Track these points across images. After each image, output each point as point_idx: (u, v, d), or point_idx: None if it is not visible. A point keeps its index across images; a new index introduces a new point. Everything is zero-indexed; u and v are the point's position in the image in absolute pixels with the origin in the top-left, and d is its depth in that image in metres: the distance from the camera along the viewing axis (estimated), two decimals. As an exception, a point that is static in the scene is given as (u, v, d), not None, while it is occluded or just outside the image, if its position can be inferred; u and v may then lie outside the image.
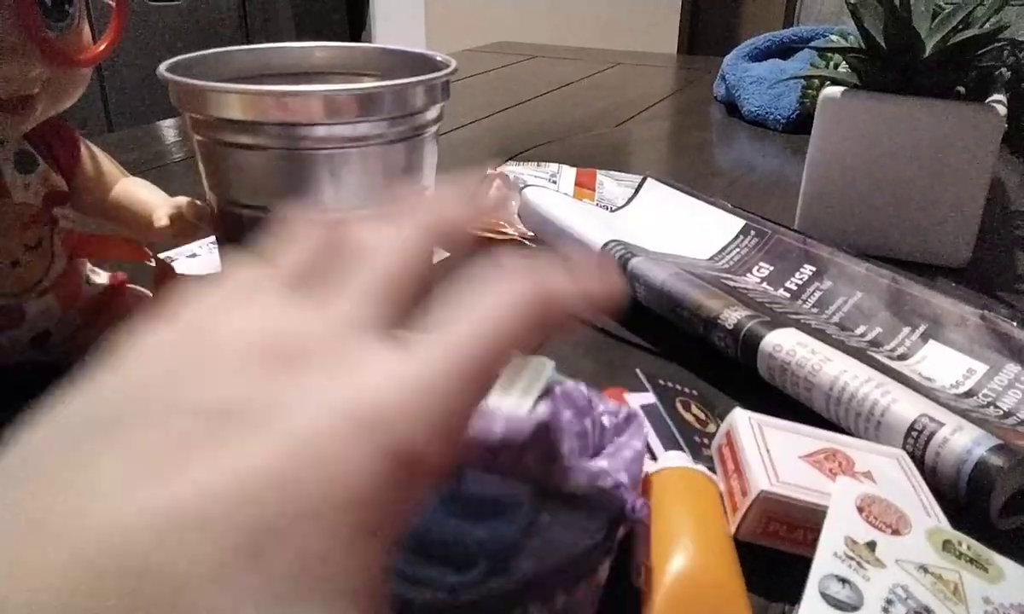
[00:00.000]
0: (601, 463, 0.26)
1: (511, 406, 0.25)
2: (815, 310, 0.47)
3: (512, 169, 0.69)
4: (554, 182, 0.65)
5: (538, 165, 0.70)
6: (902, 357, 0.42)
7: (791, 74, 0.94)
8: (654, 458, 0.35)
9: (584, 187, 0.64)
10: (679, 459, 0.32)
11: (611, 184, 0.64)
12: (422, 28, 2.58)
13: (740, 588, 0.26)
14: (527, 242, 0.59)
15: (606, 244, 0.49)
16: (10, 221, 0.36)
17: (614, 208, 0.59)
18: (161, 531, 0.13)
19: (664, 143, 0.93)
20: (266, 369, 0.16)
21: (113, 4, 0.36)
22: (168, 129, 0.91)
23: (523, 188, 0.57)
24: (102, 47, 0.35)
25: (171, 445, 0.15)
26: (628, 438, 0.28)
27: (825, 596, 0.25)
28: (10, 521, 0.14)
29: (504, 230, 0.60)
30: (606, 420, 0.28)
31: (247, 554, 0.13)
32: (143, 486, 0.14)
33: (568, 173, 0.67)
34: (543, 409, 0.25)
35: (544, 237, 0.56)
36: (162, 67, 0.34)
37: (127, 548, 0.13)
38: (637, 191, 0.59)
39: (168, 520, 0.13)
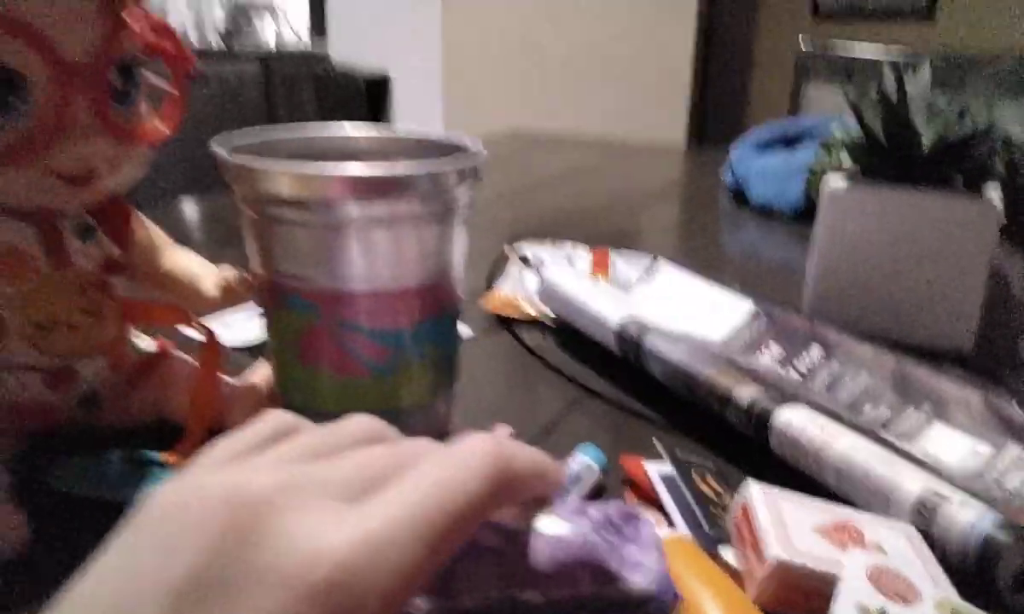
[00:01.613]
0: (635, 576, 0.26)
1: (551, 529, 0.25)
2: (825, 391, 0.48)
3: (530, 249, 0.71)
4: (570, 261, 0.68)
5: (554, 244, 0.73)
6: (909, 437, 0.44)
7: (798, 163, 0.98)
8: (672, 525, 0.36)
9: (599, 267, 0.66)
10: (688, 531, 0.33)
11: (623, 265, 0.67)
12: (439, 116, 2.67)
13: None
14: (546, 321, 0.61)
15: (622, 322, 0.51)
16: (69, 286, 0.38)
17: (627, 288, 0.61)
18: None
19: (674, 228, 0.97)
20: (235, 540, 0.18)
21: (175, 91, 0.40)
22: (187, 207, 0.95)
23: (543, 268, 0.60)
24: (163, 128, 0.39)
25: None
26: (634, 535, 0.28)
27: (839, 659, 0.26)
28: None
29: (523, 310, 0.63)
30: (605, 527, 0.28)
31: None
32: None
33: (583, 253, 0.70)
34: (583, 524, 0.26)
35: (563, 315, 0.58)
36: (215, 145, 0.37)
37: None
38: (649, 272, 0.62)
39: None
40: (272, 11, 4.64)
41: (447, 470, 0.20)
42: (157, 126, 0.39)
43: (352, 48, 3.07)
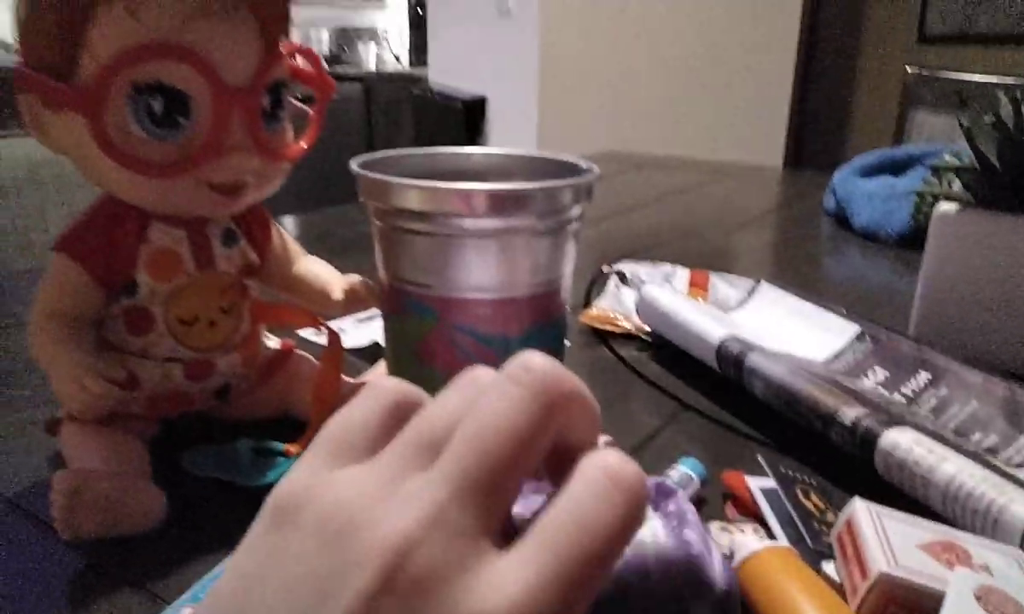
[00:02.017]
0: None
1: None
2: (931, 416, 0.48)
3: (628, 267, 0.73)
4: (669, 281, 0.69)
5: (653, 264, 0.74)
6: (1019, 465, 0.43)
7: (904, 189, 0.96)
8: (772, 536, 0.37)
9: (698, 287, 0.67)
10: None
11: (724, 286, 0.67)
12: (534, 138, 2.71)
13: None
14: (643, 336, 0.63)
15: (723, 339, 0.52)
16: (211, 287, 0.42)
17: (727, 309, 0.62)
18: None
19: (773, 252, 0.96)
20: (392, 602, 0.18)
21: (313, 112, 0.43)
22: (297, 220, 1.00)
23: (642, 285, 0.61)
24: (303, 146, 0.42)
25: None
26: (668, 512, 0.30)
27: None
28: None
29: (621, 324, 0.64)
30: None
31: None
32: None
33: (682, 273, 0.70)
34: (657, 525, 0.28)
35: (661, 332, 0.59)
36: (353, 163, 0.41)
37: None
38: (751, 293, 0.62)
39: None
40: (375, 36, 4.82)
41: (582, 507, 0.20)
42: (298, 144, 0.42)
43: (450, 72, 3.16)
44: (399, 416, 0.23)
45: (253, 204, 0.43)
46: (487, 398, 0.21)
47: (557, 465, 0.22)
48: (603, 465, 0.21)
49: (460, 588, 0.18)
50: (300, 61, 0.42)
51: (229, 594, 0.20)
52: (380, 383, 0.23)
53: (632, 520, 0.20)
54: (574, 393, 0.22)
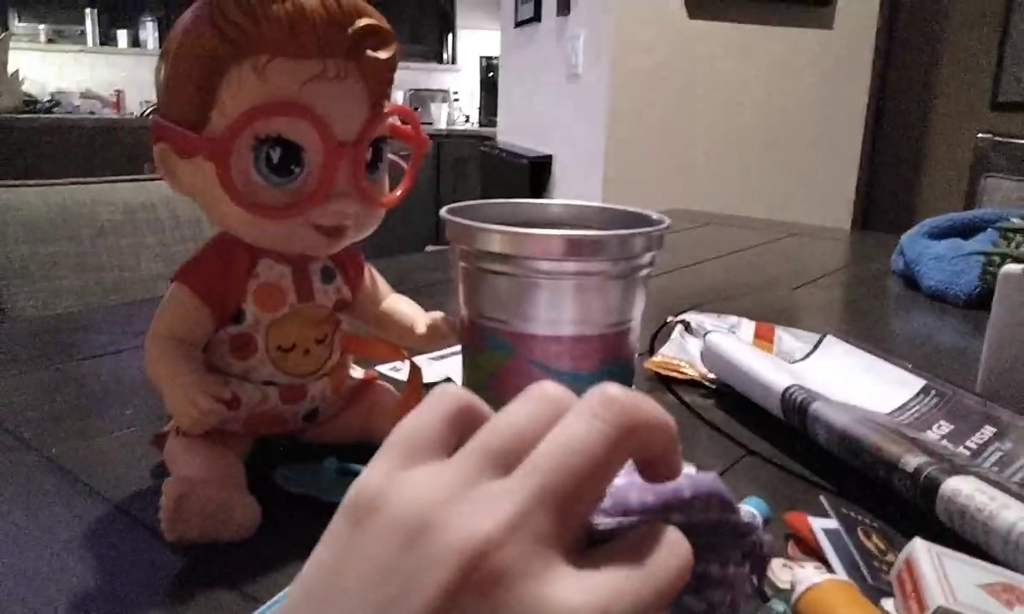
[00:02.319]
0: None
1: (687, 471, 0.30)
2: (995, 468, 0.48)
3: (693, 318, 0.75)
4: (734, 332, 0.70)
5: (718, 316, 0.76)
6: (1088, 520, 0.43)
7: (973, 250, 0.96)
8: (831, 571, 0.38)
9: (762, 339, 0.69)
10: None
11: (789, 339, 0.69)
12: (599, 195, 2.76)
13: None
14: (707, 383, 0.64)
15: (788, 388, 0.53)
16: (309, 319, 0.46)
17: (792, 360, 0.64)
18: None
19: (840, 309, 0.97)
20: (471, 598, 0.19)
21: (405, 165, 0.48)
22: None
23: (707, 333, 0.63)
24: (399, 194, 0.46)
25: None
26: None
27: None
28: None
29: (685, 371, 0.66)
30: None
31: None
32: None
33: (747, 325, 0.72)
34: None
35: (725, 379, 0.61)
36: (443, 211, 0.45)
37: None
38: (816, 346, 0.64)
39: None
40: (446, 97, 4.99)
41: (664, 547, 0.23)
42: (394, 193, 0.46)
43: (519, 131, 3.24)
44: (463, 421, 0.25)
45: (349, 246, 0.47)
46: (569, 422, 0.23)
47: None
48: (667, 537, 0.24)
49: (535, 590, 0.20)
50: (397, 119, 0.47)
51: (311, 584, 0.22)
52: (445, 390, 0.25)
53: (685, 575, 0.23)
54: (650, 420, 0.24)
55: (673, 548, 0.23)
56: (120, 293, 1.15)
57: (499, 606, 0.20)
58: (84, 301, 1.08)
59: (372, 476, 0.23)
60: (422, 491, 0.22)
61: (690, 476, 0.29)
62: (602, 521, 0.25)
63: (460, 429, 0.24)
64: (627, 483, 0.28)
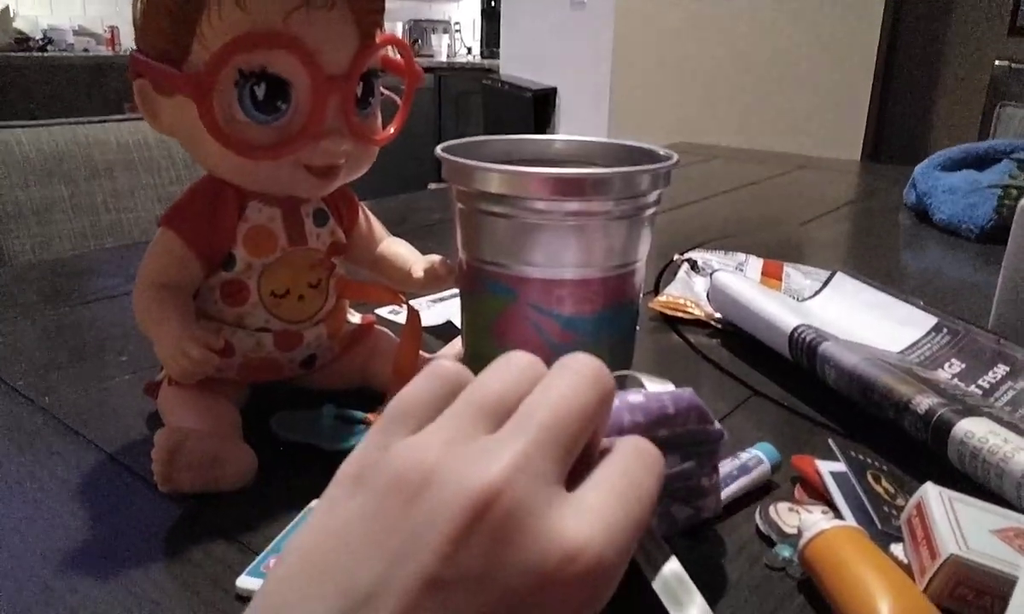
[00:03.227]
0: None
1: (666, 389, 0.34)
2: (1008, 408, 0.47)
3: (700, 256, 0.73)
4: (741, 270, 0.69)
5: (725, 253, 0.74)
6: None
7: (988, 182, 0.93)
8: (840, 518, 0.37)
9: (771, 277, 0.67)
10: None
11: (798, 276, 0.67)
12: (605, 128, 2.71)
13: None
14: (713, 322, 0.63)
15: (797, 327, 0.52)
16: (302, 263, 0.45)
17: (801, 298, 0.62)
18: None
19: (850, 244, 0.95)
20: (481, 540, 0.20)
21: (399, 100, 0.45)
22: (367, 205, 1.03)
23: (713, 272, 0.62)
24: (391, 131, 0.44)
25: (386, 603, 0.20)
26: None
27: (1014, 653, 0.26)
28: None
29: (691, 311, 0.65)
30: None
31: None
32: None
33: (755, 263, 0.70)
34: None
35: (732, 318, 0.59)
36: (439, 149, 0.43)
37: None
38: (826, 283, 0.62)
39: None
40: (448, 28, 4.87)
41: (644, 476, 0.24)
42: (387, 129, 0.44)
43: (522, 63, 3.17)
44: (456, 392, 0.25)
45: (342, 187, 0.45)
46: (554, 378, 0.24)
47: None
48: (641, 448, 0.25)
49: (544, 524, 0.21)
50: (390, 51, 0.44)
51: (314, 548, 0.22)
52: (441, 364, 0.26)
53: (661, 484, 0.25)
54: (614, 393, 0.26)
55: (648, 461, 0.25)
56: (117, 235, 1.13)
57: (508, 546, 0.20)
58: (80, 244, 1.07)
59: (368, 446, 0.23)
60: (420, 451, 0.22)
61: (671, 393, 0.33)
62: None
63: (453, 401, 0.25)
64: (619, 406, 0.31)
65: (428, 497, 0.21)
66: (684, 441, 0.33)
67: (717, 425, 0.34)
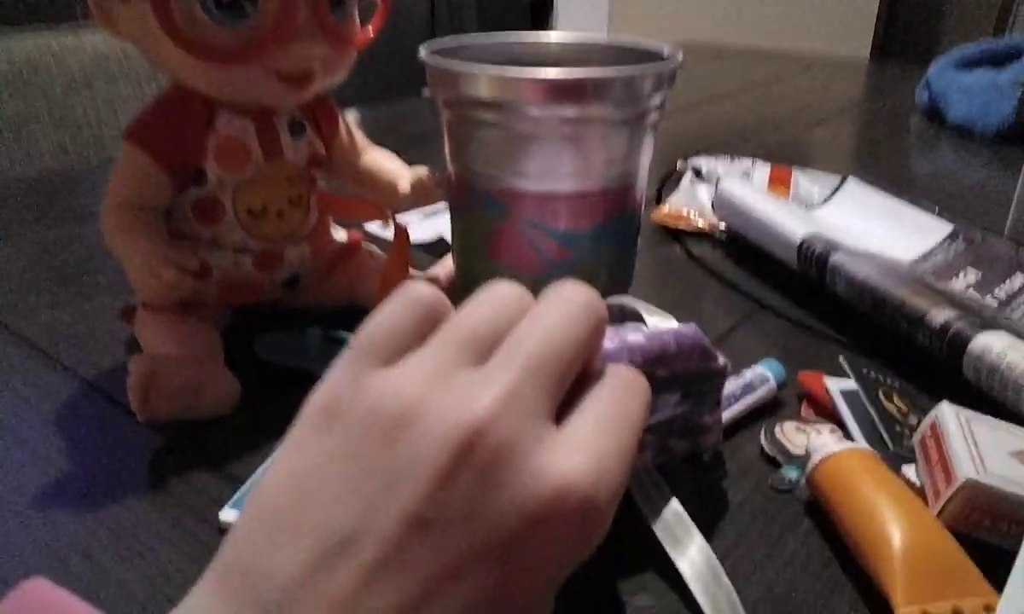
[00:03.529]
0: None
1: (668, 326, 0.32)
2: (1027, 320, 0.45)
3: (704, 162, 0.70)
4: (747, 176, 0.66)
5: (731, 160, 0.71)
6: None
7: (1007, 81, 0.89)
8: (850, 439, 0.36)
9: (778, 183, 0.64)
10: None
11: (807, 182, 0.64)
12: (605, 25, 2.61)
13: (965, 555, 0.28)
14: (718, 234, 0.60)
15: (805, 238, 0.49)
16: (280, 178, 0.42)
17: (810, 206, 0.59)
18: None
19: (860, 147, 0.91)
20: (468, 477, 0.19)
21: (379, 1, 0.42)
22: (356, 113, 0.99)
23: (719, 180, 0.59)
24: (370, 33, 0.41)
25: (364, 548, 0.18)
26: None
27: (1033, 583, 0.25)
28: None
29: (694, 222, 0.62)
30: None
31: None
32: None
33: (762, 169, 0.67)
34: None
35: (739, 229, 0.57)
36: (422, 51, 0.39)
37: None
38: (836, 190, 0.59)
39: None
40: (440, -76, 4.65)
41: (628, 404, 0.23)
42: (365, 30, 0.41)
43: (518, -40, 3.03)
44: (432, 320, 0.23)
45: (319, 94, 0.42)
46: (543, 309, 0.23)
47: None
48: (627, 378, 0.24)
49: (533, 460, 0.20)
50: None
51: (281, 495, 0.20)
52: (416, 288, 0.24)
53: (647, 411, 0.25)
54: (605, 322, 0.25)
55: (636, 390, 0.24)
56: (99, 149, 1.09)
57: (496, 484, 0.19)
58: (61, 160, 1.03)
59: (338, 379, 0.22)
60: (399, 385, 0.21)
61: (673, 330, 0.30)
62: None
63: (431, 327, 0.23)
64: (618, 347, 0.29)
65: (410, 434, 0.19)
66: (685, 379, 0.31)
67: (721, 360, 0.32)
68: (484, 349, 0.22)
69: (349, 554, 0.18)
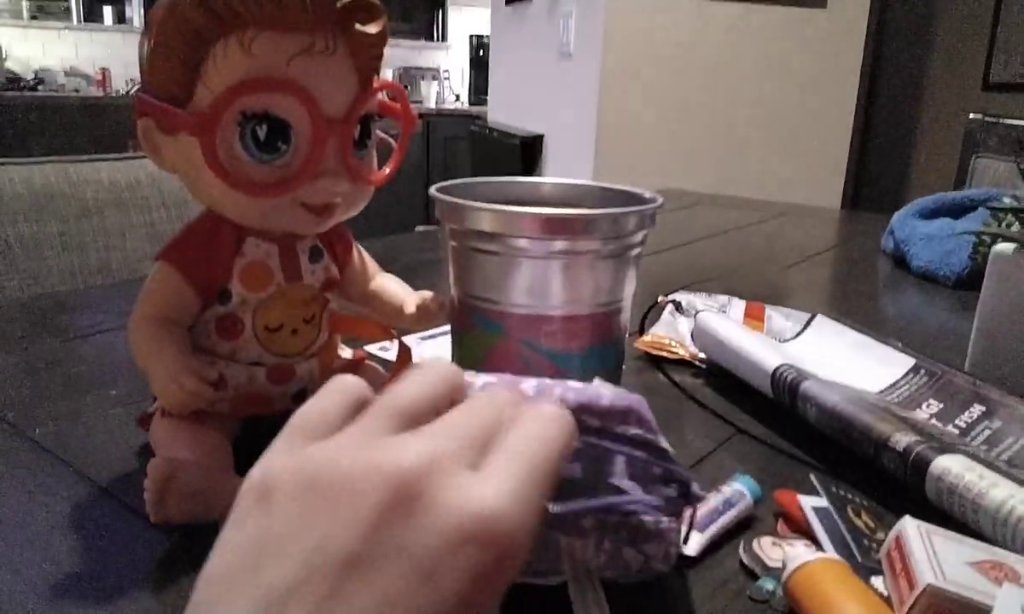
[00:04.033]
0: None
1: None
2: (984, 447, 0.48)
3: (684, 297, 0.75)
4: (724, 311, 0.70)
5: (708, 295, 0.76)
6: (1075, 498, 0.43)
7: (963, 229, 0.96)
8: (821, 549, 0.38)
9: (753, 318, 0.69)
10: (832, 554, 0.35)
11: (779, 318, 0.69)
12: (590, 173, 2.75)
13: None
14: (697, 362, 0.64)
15: (778, 367, 0.53)
16: (297, 298, 0.46)
17: (782, 339, 0.63)
18: None
19: (830, 288, 0.97)
20: (398, 518, 0.21)
21: (395, 144, 0.47)
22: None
23: (697, 312, 0.63)
24: (387, 172, 0.46)
25: (306, 594, 0.20)
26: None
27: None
28: None
29: (675, 350, 0.66)
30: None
31: None
32: None
33: (738, 304, 0.72)
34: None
35: (715, 358, 0.61)
36: (433, 189, 0.44)
37: None
38: (807, 325, 0.64)
39: None
40: (436, 76, 4.95)
41: (544, 431, 0.25)
42: (383, 170, 0.46)
43: (509, 110, 3.22)
44: (361, 404, 0.26)
45: (337, 225, 0.47)
46: (475, 399, 0.26)
47: None
48: (542, 404, 0.26)
49: (454, 491, 0.22)
50: (386, 96, 0.46)
51: (228, 564, 0.22)
52: (343, 379, 0.26)
53: (570, 438, 0.26)
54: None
55: (554, 417, 0.25)
56: (106, 274, 1.13)
57: (421, 520, 0.21)
58: (69, 282, 1.07)
59: (273, 455, 0.24)
60: (330, 451, 0.23)
61: (611, 389, 0.31)
62: None
63: (358, 411, 0.25)
64: (554, 382, 0.30)
65: (342, 489, 0.21)
66: (615, 439, 0.31)
67: (663, 441, 0.32)
68: (410, 421, 0.24)
69: (296, 598, 0.20)
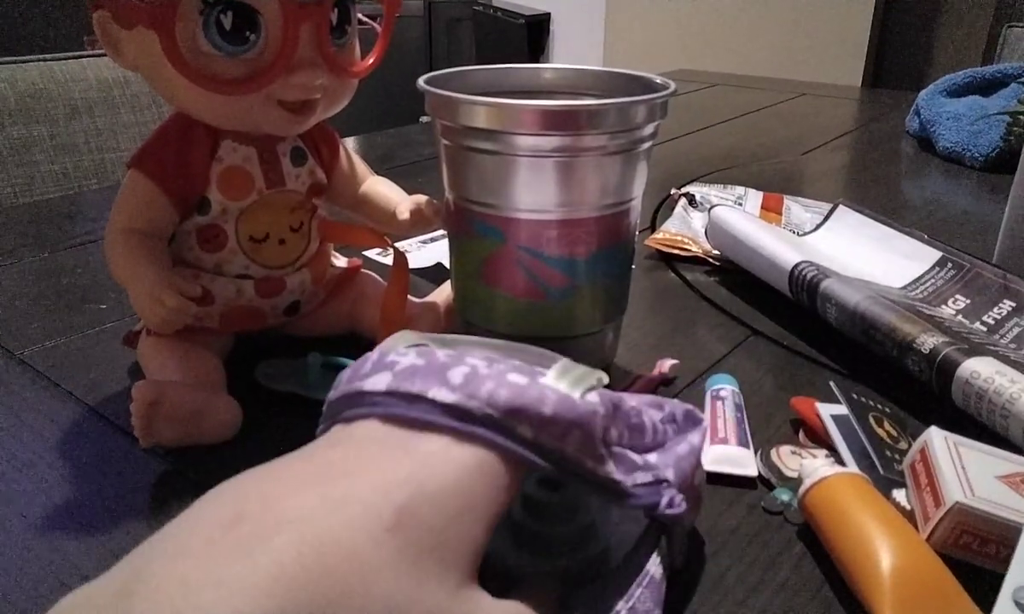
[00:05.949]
0: (650, 457, 0.27)
1: (564, 390, 0.25)
2: (1013, 345, 0.46)
3: (698, 190, 0.71)
4: (740, 204, 0.67)
5: (724, 187, 0.72)
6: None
7: (998, 110, 0.90)
8: (842, 463, 0.36)
9: (771, 211, 0.65)
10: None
11: (799, 209, 0.65)
12: (600, 55, 2.64)
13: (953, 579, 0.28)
14: (711, 259, 0.61)
15: (797, 264, 0.50)
16: (281, 205, 0.43)
17: (801, 232, 0.60)
18: None
19: (851, 174, 0.92)
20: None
21: (379, 29, 0.43)
22: (354, 141, 1.00)
23: (712, 207, 0.60)
24: (370, 62, 0.42)
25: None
26: (685, 435, 0.29)
27: (1018, 604, 0.26)
28: None
29: (688, 247, 0.63)
30: (669, 421, 0.30)
31: None
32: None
33: (754, 196, 0.68)
34: (593, 397, 0.25)
35: (730, 255, 0.58)
36: (421, 80, 0.40)
37: None
38: (828, 217, 0.60)
39: None
40: (438, -48, 4.71)
41: None
42: (366, 60, 0.42)
43: (515, -12, 3.08)
44: None
45: (321, 123, 0.43)
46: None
47: None
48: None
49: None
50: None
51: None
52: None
53: None
54: None
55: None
56: (101, 177, 1.10)
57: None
58: (63, 186, 1.04)
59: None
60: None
61: (568, 399, 0.24)
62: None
63: None
64: (491, 370, 0.24)
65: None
66: (550, 457, 0.24)
67: (617, 473, 0.25)
68: None
69: None
